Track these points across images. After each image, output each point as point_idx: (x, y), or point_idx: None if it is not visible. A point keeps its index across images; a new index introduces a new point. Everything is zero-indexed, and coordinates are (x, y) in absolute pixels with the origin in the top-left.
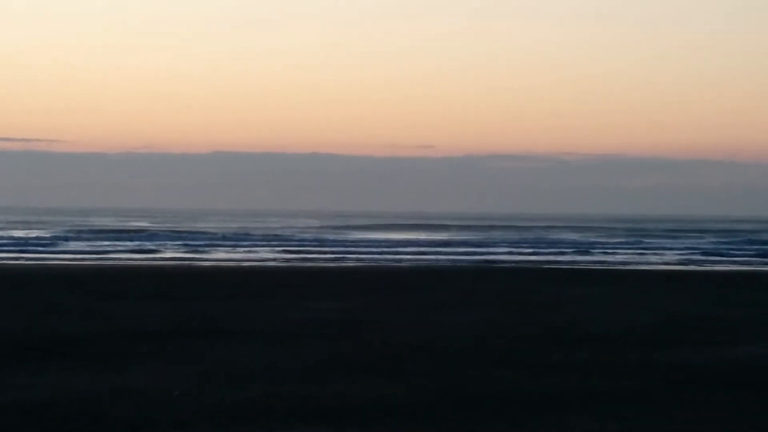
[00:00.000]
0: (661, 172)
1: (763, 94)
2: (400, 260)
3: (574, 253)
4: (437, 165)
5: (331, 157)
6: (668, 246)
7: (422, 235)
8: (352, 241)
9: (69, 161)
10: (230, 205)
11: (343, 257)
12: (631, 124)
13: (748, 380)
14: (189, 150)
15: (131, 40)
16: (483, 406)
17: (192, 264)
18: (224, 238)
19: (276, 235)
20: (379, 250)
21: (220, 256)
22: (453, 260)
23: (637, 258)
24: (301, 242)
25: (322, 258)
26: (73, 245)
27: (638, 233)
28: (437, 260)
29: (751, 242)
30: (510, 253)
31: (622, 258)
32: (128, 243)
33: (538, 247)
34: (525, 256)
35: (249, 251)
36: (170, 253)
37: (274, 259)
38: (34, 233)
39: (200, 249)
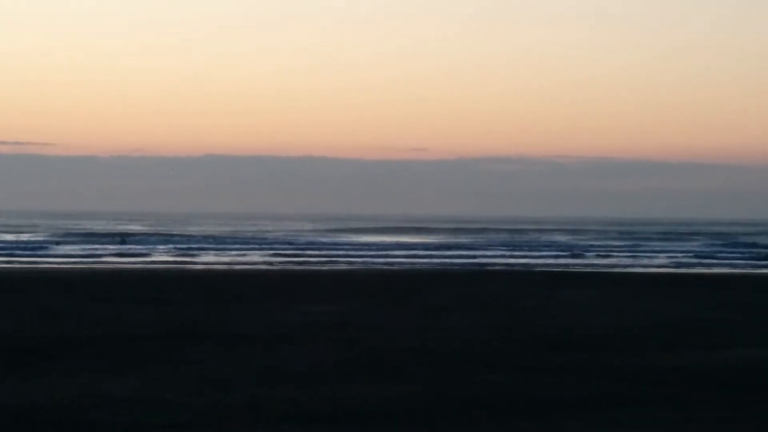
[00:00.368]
0: (654, 175)
1: (756, 97)
2: (393, 263)
3: (567, 256)
4: (430, 168)
5: (324, 160)
6: (661, 249)
7: (415, 238)
8: (345, 245)
9: (61, 164)
10: (222, 209)
11: (335, 260)
12: (625, 127)
13: (741, 383)
14: (181, 153)
15: (124, 44)
16: (475, 409)
17: (184, 267)
18: (216, 241)
19: (268, 239)
20: (371, 253)
21: (212, 259)
22: (446, 263)
23: (629, 261)
24: (294, 246)
25: (314, 261)
26: (66, 249)
27: (631, 236)
28: (430, 263)
29: (743, 245)
30: (503, 256)
31: (615, 261)
32: (120, 246)
33: (531, 250)
34: (518, 259)
35: (241, 255)
36: (162, 257)
37: (267, 263)
38: (26, 237)
39: (192, 252)
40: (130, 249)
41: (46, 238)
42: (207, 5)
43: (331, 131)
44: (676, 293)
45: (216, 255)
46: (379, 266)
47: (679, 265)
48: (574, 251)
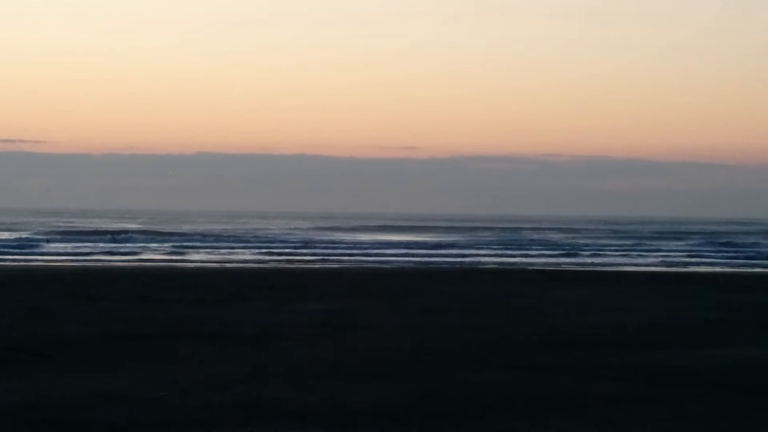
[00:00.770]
0: (647, 175)
1: (747, 97)
2: (385, 262)
3: (559, 254)
4: (422, 167)
5: (316, 158)
6: (654, 248)
7: (407, 237)
8: (337, 243)
9: (53, 162)
10: (215, 207)
11: (327, 259)
12: (618, 126)
13: (735, 382)
14: (173, 151)
15: (115, 42)
16: (467, 409)
17: (176, 266)
18: (208, 239)
19: (260, 237)
20: (364, 251)
21: (204, 257)
22: (438, 262)
23: (622, 260)
24: (286, 244)
25: (306, 260)
26: (57, 247)
27: (624, 235)
28: (422, 262)
29: (736, 244)
30: (495, 255)
31: (607, 260)
32: (112, 244)
33: (524, 249)
34: (510, 258)
35: (233, 253)
36: (154, 255)
37: (259, 261)
38: (17, 235)
39: (184, 250)
40: (122, 247)
41: (37, 236)
42: (199, 4)
43: (324, 130)
44: (669, 292)
45: (208, 253)
46: (371, 265)
47: (671, 264)
48: (567, 250)
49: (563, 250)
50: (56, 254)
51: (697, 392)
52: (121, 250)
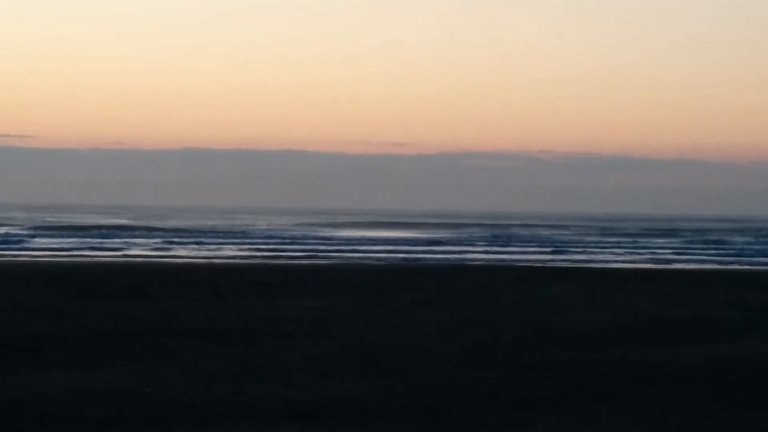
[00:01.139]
0: (635, 172)
1: (737, 95)
2: (374, 258)
3: (547, 251)
4: (411, 162)
5: (304, 154)
6: (642, 245)
7: (395, 233)
8: (325, 239)
9: (39, 157)
10: (202, 202)
11: (315, 255)
12: (606, 123)
13: (723, 379)
14: (160, 146)
15: (102, 36)
16: (456, 406)
17: (163, 261)
18: (196, 235)
19: (248, 233)
20: (352, 247)
21: (191, 253)
22: (427, 258)
23: (611, 257)
24: (274, 240)
25: (294, 256)
26: (44, 242)
27: (613, 232)
28: (411, 258)
29: (725, 241)
30: (484, 251)
31: (596, 257)
32: (99, 240)
33: (513, 246)
34: (499, 255)
35: (221, 249)
36: (141, 251)
37: (246, 257)
38: (3, 230)
39: (172, 246)
40: (108, 243)
41: (23, 231)
42: None
43: (313, 125)
44: (656, 289)
45: (195, 249)
46: (359, 261)
47: (660, 261)
48: (556, 247)
49: (552, 246)
50: (42, 249)
51: (685, 389)
52: (108, 246)
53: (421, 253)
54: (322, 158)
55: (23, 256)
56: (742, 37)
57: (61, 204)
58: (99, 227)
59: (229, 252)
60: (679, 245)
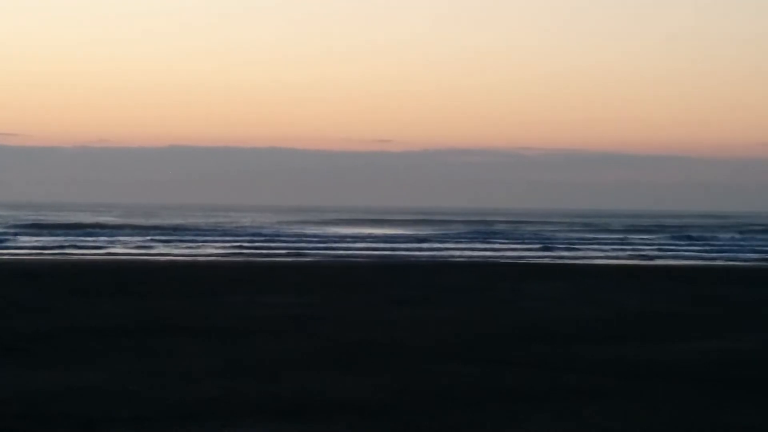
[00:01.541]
0: (620, 168)
1: (723, 91)
2: (359, 255)
3: (533, 248)
4: (395, 159)
5: (289, 151)
6: (626, 241)
7: (380, 230)
8: (310, 236)
9: (24, 155)
10: (187, 200)
11: (300, 252)
12: (590, 119)
13: (708, 375)
14: (146, 144)
15: (87, 35)
16: (441, 402)
17: (149, 259)
18: (181, 232)
19: (233, 230)
20: (337, 245)
21: (177, 251)
22: (412, 255)
23: (596, 253)
24: (259, 237)
25: (279, 253)
26: (29, 240)
27: (598, 228)
28: (396, 255)
29: (706, 238)
30: (469, 248)
31: (581, 253)
32: (84, 238)
33: (497, 242)
34: (484, 251)
35: (206, 246)
36: (127, 249)
37: (231, 255)
38: None
39: (157, 244)
40: (94, 241)
41: (8, 230)
42: None
43: (297, 122)
44: (641, 285)
45: (181, 246)
46: (344, 258)
47: (644, 257)
48: (541, 243)
49: (537, 243)
50: (27, 248)
51: (669, 385)
52: (94, 244)
53: (406, 250)
54: (307, 155)
55: (8, 254)
56: (726, 33)
57: (46, 202)
58: (84, 225)
59: (215, 249)
60: (663, 241)
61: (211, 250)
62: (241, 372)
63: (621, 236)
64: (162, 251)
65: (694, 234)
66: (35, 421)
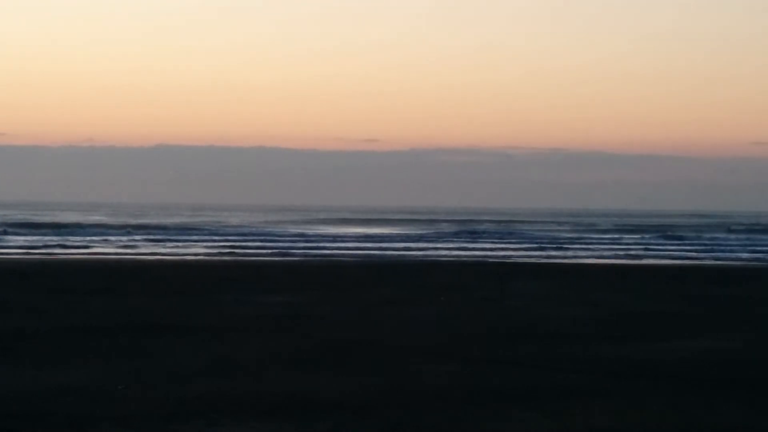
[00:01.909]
0: (607, 167)
1: (712, 91)
2: (345, 254)
3: (520, 247)
4: (382, 159)
5: (276, 150)
6: (612, 240)
7: (367, 230)
8: (297, 236)
9: (10, 154)
10: (174, 199)
11: (287, 251)
12: (578, 119)
13: (693, 374)
14: (132, 143)
15: (74, 34)
16: (428, 401)
17: (136, 259)
18: (168, 232)
19: (221, 230)
20: (323, 244)
21: (164, 250)
22: (398, 255)
23: (582, 252)
24: (246, 237)
25: (266, 252)
26: (15, 239)
27: (584, 228)
28: (382, 255)
29: (692, 238)
30: (455, 247)
31: (567, 252)
32: (72, 237)
33: (484, 242)
34: (471, 251)
35: (194, 246)
36: (113, 248)
37: (219, 254)
38: None
39: (143, 243)
40: (80, 240)
41: None
42: None
43: (284, 122)
44: (627, 285)
45: (168, 246)
46: (331, 257)
47: (631, 256)
48: (528, 243)
49: (525, 242)
50: (13, 247)
51: (656, 384)
52: (80, 243)
53: (393, 250)
54: (294, 155)
55: None
56: (714, 32)
57: (33, 201)
58: (72, 225)
59: (202, 249)
60: (652, 241)
61: (199, 250)
62: (228, 371)
63: (609, 236)
64: (149, 251)
65: (682, 233)
66: (22, 420)
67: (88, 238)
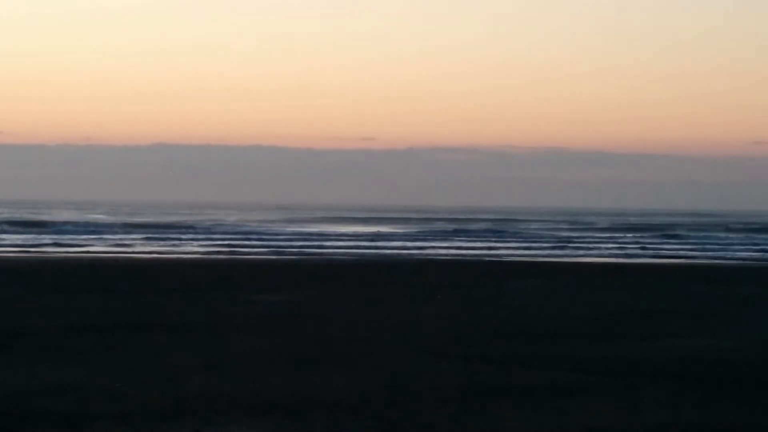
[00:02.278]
0: (604, 166)
1: (711, 90)
2: (342, 253)
3: (516, 246)
4: (379, 157)
5: (273, 149)
6: (610, 239)
7: (363, 228)
8: (294, 234)
9: (7, 153)
10: (171, 198)
11: (284, 250)
12: (576, 117)
13: (689, 372)
14: (129, 142)
15: (69, 32)
16: (424, 399)
17: (132, 257)
18: (164, 230)
19: (217, 228)
20: (320, 242)
21: (160, 249)
22: (395, 253)
23: (578, 251)
24: (242, 235)
25: (263, 251)
26: (11, 238)
27: (581, 226)
28: (379, 253)
29: (687, 236)
30: (452, 246)
31: (564, 251)
32: (67, 236)
33: (481, 240)
34: (467, 249)
35: (189, 244)
36: (110, 246)
37: (215, 252)
38: None
39: (140, 242)
40: (76, 238)
41: None
42: None
43: (281, 121)
44: (624, 283)
45: (165, 244)
46: (327, 256)
47: (627, 255)
48: (525, 241)
49: (522, 241)
50: (10, 245)
51: (653, 383)
52: (76, 242)
53: (390, 248)
54: (291, 153)
55: None
56: (713, 31)
57: (29, 200)
58: (68, 223)
59: (199, 247)
60: (650, 239)
61: (195, 248)
62: (223, 369)
63: (607, 234)
64: (146, 249)
65: (681, 232)
66: (17, 418)
67: (85, 237)
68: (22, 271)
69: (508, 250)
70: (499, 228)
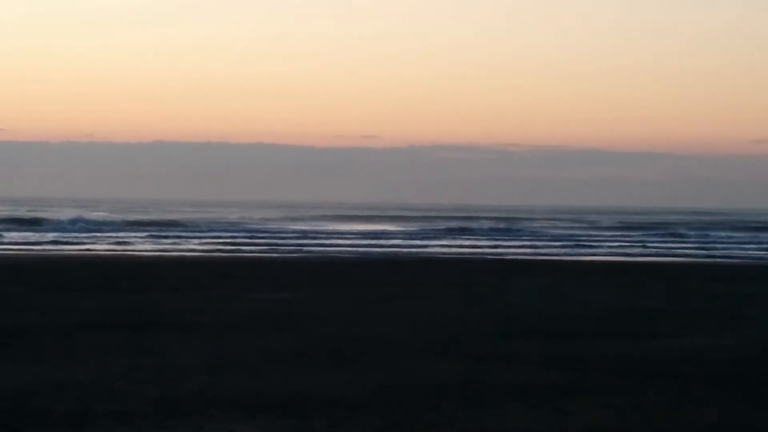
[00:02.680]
0: (606, 165)
1: (713, 88)
2: (343, 251)
3: (517, 244)
4: (381, 155)
5: (275, 147)
6: (611, 237)
7: (366, 226)
8: (295, 232)
9: (10, 150)
10: (173, 195)
11: (285, 248)
12: (578, 116)
13: (690, 371)
14: (132, 139)
15: (71, 28)
16: (425, 398)
17: (133, 255)
18: (166, 228)
19: (219, 226)
20: (321, 240)
21: (162, 246)
22: (396, 251)
23: (580, 249)
24: (244, 233)
25: (264, 249)
26: (13, 236)
27: (582, 225)
28: (380, 251)
29: (688, 235)
30: (453, 244)
31: (565, 249)
32: (70, 233)
33: (482, 238)
34: (468, 248)
35: (190, 241)
36: (111, 244)
37: (217, 250)
38: None
39: (142, 239)
40: (78, 236)
41: None
42: None
43: (282, 118)
44: (625, 282)
45: (167, 242)
46: (330, 254)
47: (628, 254)
48: (526, 239)
49: (522, 239)
50: (11, 243)
51: (654, 382)
52: (78, 239)
53: (391, 246)
54: (293, 151)
55: None
56: (714, 29)
57: (31, 197)
58: (69, 220)
59: (199, 245)
60: (652, 238)
61: (197, 246)
62: (225, 368)
63: (609, 233)
64: (147, 246)
65: (682, 230)
66: (17, 417)
67: (86, 234)
68: (24, 268)
69: (510, 249)
70: (501, 226)
